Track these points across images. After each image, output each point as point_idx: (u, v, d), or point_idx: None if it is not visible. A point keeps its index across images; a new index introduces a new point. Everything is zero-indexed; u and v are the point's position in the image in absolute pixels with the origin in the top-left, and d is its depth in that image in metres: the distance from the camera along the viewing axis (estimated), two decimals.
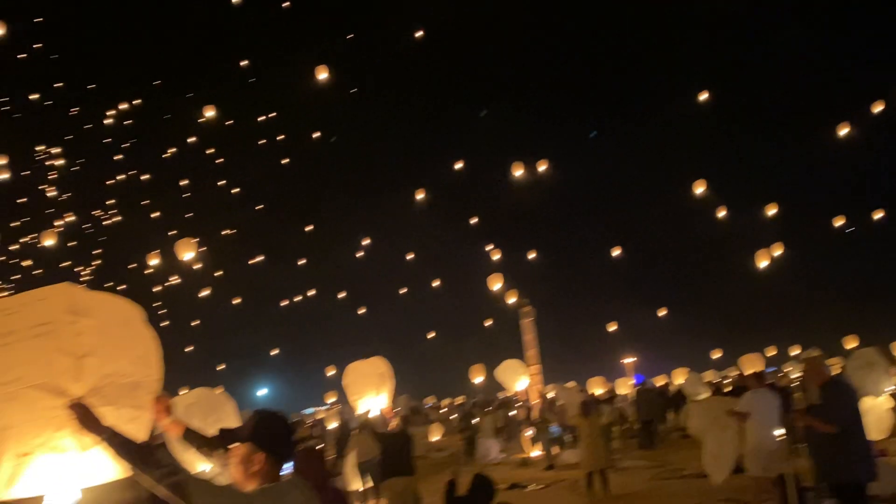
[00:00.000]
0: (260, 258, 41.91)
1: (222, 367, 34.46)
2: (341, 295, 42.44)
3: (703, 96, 26.31)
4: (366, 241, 39.35)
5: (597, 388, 21.40)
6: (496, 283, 25.26)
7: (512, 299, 27.07)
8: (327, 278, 44.30)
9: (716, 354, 33.50)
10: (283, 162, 39.37)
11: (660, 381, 26.10)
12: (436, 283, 38.41)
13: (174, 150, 35.56)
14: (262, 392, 45.71)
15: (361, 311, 41.73)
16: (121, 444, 2.49)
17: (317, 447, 7.96)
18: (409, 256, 40.45)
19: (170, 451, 2.70)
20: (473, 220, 37.59)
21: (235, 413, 6.50)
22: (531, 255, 33.27)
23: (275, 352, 45.58)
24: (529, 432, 19.40)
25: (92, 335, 2.70)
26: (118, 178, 36.82)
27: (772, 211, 24.22)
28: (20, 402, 2.55)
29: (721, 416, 8.76)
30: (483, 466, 16.09)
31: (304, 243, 43.95)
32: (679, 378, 25.22)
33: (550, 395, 24.20)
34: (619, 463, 14.42)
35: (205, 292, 37.84)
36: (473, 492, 6.72)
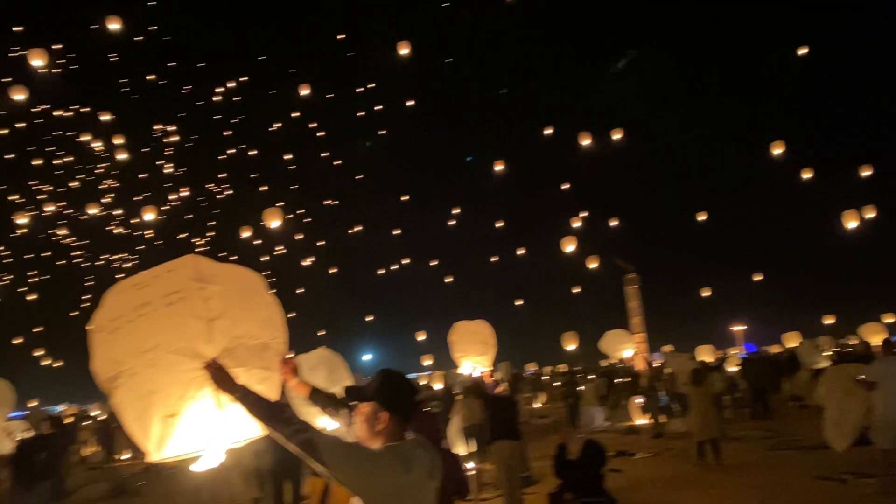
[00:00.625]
0: (359, 227, 43.04)
1: (322, 333, 35.62)
2: (433, 263, 43.04)
3: (802, 51, 24.90)
4: (456, 210, 39.72)
5: (706, 356, 20.65)
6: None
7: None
8: (422, 247, 45.06)
9: (828, 321, 31.58)
10: (381, 133, 40.06)
11: (773, 350, 25.04)
12: (521, 252, 38.42)
13: (279, 124, 36.78)
14: (367, 357, 47.02)
15: (448, 279, 42.16)
16: (254, 402, 2.59)
17: (430, 410, 8.15)
18: (499, 224, 40.50)
19: (297, 411, 2.79)
20: (565, 186, 37.08)
21: (349, 375, 6.68)
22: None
23: (369, 318, 47.04)
24: (639, 400, 19.06)
25: (219, 300, 2.82)
26: (228, 152, 38.57)
27: (866, 172, 22.89)
28: (161, 367, 2.71)
29: (846, 384, 8.29)
30: (588, 434, 15.99)
31: (400, 213, 44.82)
32: (791, 344, 24.17)
33: (658, 363, 23.73)
34: (731, 432, 13.98)
35: (308, 261, 39.33)
36: (585, 457, 6.69)
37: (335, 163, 41.37)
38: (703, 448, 11.42)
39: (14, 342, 38.93)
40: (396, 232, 42.96)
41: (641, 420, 18.41)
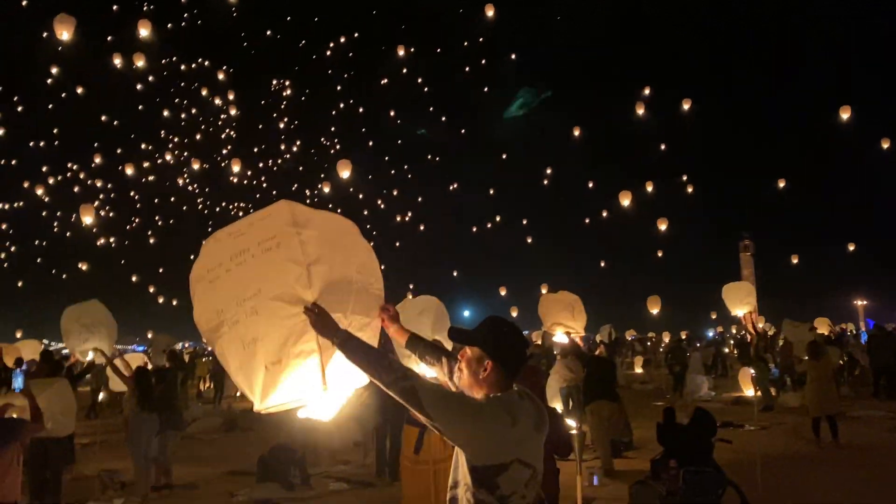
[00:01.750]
0: (454, 185, 43.10)
1: (412, 286, 36.14)
2: (524, 222, 42.70)
3: None
4: (549, 171, 38.90)
5: (823, 329, 19.43)
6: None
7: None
8: (514, 206, 44.74)
9: None
10: (484, 90, 39.59)
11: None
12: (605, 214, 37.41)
13: (386, 80, 37.04)
14: (466, 314, 47.30)
15: (529, 240, 41.88)
16: (357, 348, 2.52)
17: (535, 364, 8.04)
18: (590, 185, 39.48)
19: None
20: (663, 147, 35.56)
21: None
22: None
23: (455, 273, 47.29)
24: (751, 371, 18.25)
25: (316, 244, 2.76)
26: (340, 106, 39.35)
27: None
28: (263, 313, 2.67)
29: None
30: (693, 402, 15.45)
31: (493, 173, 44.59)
32: None
33: (770, 330, 22.59)
34: (849, 411, 13.13)
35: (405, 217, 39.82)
36: (694, 423, 6.39)
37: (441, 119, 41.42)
38: (818, 425, 10.76)
39: (133, 280, 41.74)
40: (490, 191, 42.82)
41: (751, 391, 17.62)
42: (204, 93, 34.76)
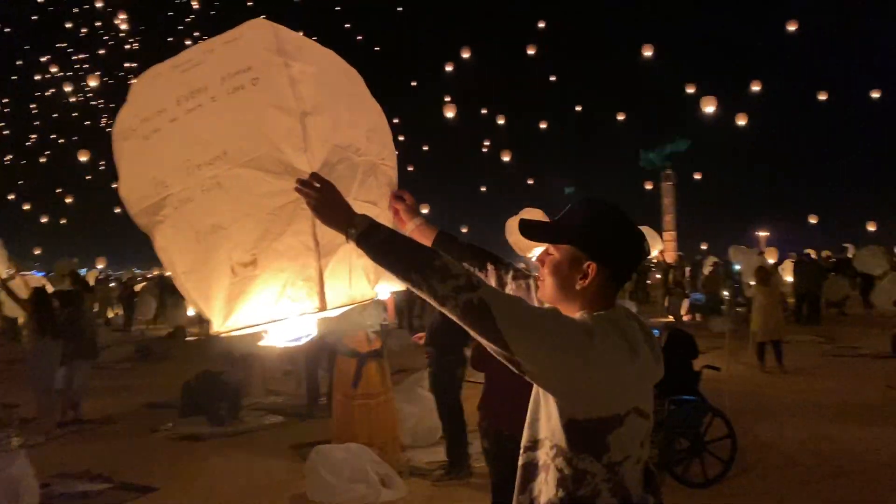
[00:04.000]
0: None
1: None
2: None
3: None
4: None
5: (771, 256, 19.66)
6: None
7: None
8: None
9: (871, 227, 30.37)
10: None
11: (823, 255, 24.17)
12: None
13: None
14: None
15: None
16: (387, 242, 1.67)
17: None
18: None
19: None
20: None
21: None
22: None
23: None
24: (686, 300, 18.41)
25: (313, 86, 1.85)
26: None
27: None
28: (230, 188, 1.78)
29: None
30: None
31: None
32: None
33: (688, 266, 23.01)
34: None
35: None
36: (669, 346, 5.89)
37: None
38: (763, 350, 10.70)
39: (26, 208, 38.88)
40: None
41: (686, 317, 17.80)
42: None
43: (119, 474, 6.36)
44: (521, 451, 1.69)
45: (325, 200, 1.71)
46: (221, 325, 1.86)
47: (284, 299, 1.83)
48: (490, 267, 2.06)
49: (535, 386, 1.65)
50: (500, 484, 3.80)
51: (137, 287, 22.63)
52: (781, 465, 6.11)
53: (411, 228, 2.17)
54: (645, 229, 17.64)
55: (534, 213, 6.51)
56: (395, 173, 2.19)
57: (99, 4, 33.73)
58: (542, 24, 33.34)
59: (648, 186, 35.14)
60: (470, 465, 5.99)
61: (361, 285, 2.01)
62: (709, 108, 23.05)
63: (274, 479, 6.16)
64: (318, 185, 1.72)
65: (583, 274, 1.63)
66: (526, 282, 1.99)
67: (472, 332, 1.54)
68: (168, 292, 18.35)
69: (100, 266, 27.80)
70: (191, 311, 17.97)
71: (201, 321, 18.01)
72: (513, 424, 3.84)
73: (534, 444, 1.66)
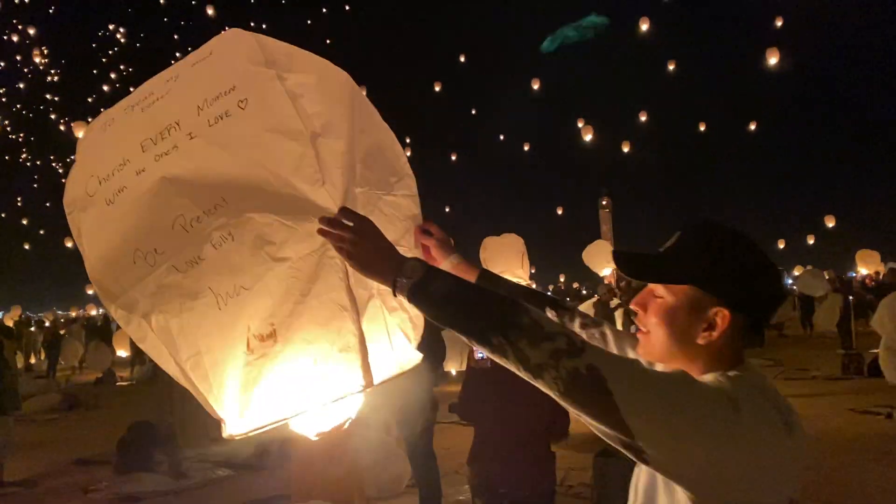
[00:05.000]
0: None
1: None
2: None
3: None
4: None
5: None
6: None
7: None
8: None
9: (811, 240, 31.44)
10: None
11: None
12: None
13: None
14: None
15: None
16: (452, 293, 1.29)
17: None
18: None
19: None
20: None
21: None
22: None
23: None
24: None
25: (318, 100, 1.47)
26: None
27: None
28: (233, 246, 1.42)
29: None
30: None
31: None
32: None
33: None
34: None
35: None
36: None
37: None
38: None
39: None
40: None
41: None
42: None
43: None
44: None
45: (362, 243, 1.35)
46: (237, 423, 1.46)
47: (317, 379, 1.44)
48: (550, 314, 1.70)
49: (640, 469, 1.31)
50: None
51: (63, 330, 21.32)
52: None
53: (449, 266, 1.79)
54: (601, 244, 17.62)
55: (514, 240, 6.08)
56: (416, 202, 1.81)
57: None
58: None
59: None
60: None
61: (403, 346, 1.64)
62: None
63: None
64: (350, 223, 1.36)
65: (708, 323, 1.28)
66: (599, 331, 1.65)
67: (573, 410, 1.18)
68: (96, 335, 17.29)
69: (16, 310, 26.19)
70: (121, 353, 16.99)
71: (132, 364, 17.05)
72: (508, 482, 3.52)
73: None
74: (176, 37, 37.61)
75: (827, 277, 16.52)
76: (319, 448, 5.59)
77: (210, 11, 25.21)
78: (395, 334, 1.62)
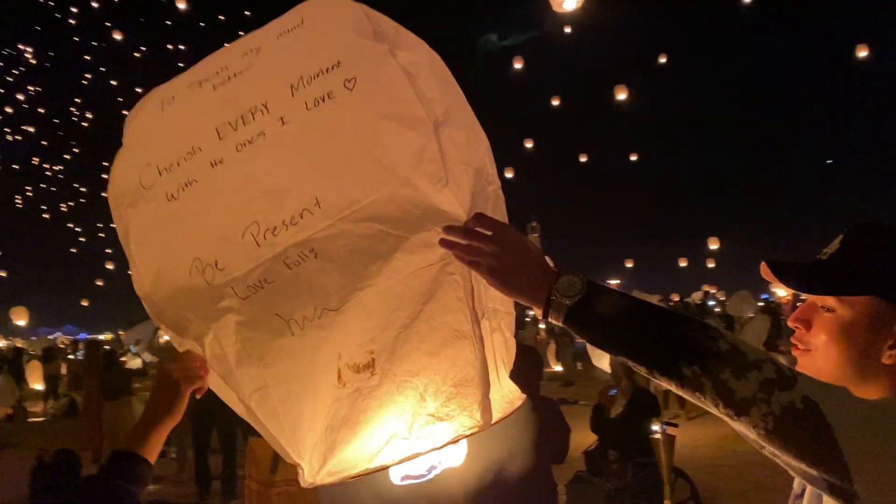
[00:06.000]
0: None
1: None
2: None
3: None
4: None
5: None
6: None
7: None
8: None
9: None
10: None
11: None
12: None
13: None
14: None
15: None
16: (627, 313, 1.08)
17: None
18: None
19: None
20: None
21: None
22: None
23: None
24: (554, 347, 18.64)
25: (434, 83, 1.24)
26: None
27: None
28: (334, 257, 1.18)
29: None
30: None
31: None
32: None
33: None
34: None
35: None
36: (634, 406, 5.56)
37: None
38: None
39: None
40: None
41: (557, 367, 17.99)
42: None
43: None
44: None
45: (506, 256, 1.12)
46: (320, 469, 1.22)
47: (422, 419, 1.19)
48: None
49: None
50: None
51: None
52: None
53: None
54: None
55: None
56: (505, 213, 1.59)
57: None
58: None
59: None
60: None
61: (507, 380, 1.40)
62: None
63: None
64: (489, 231, 1.14)
65: (895, 339, 1.11)
66: None
67: (775, 449, 0.99)
68: (11, 366, 16.06)
69: None
70: (38, 386, 15.75)
71: (46, 397, 15.81)
72: None
73: None
74: None
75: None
76: (280, 487, 5.24)
77: None
78: (500, 363, 1.40)
